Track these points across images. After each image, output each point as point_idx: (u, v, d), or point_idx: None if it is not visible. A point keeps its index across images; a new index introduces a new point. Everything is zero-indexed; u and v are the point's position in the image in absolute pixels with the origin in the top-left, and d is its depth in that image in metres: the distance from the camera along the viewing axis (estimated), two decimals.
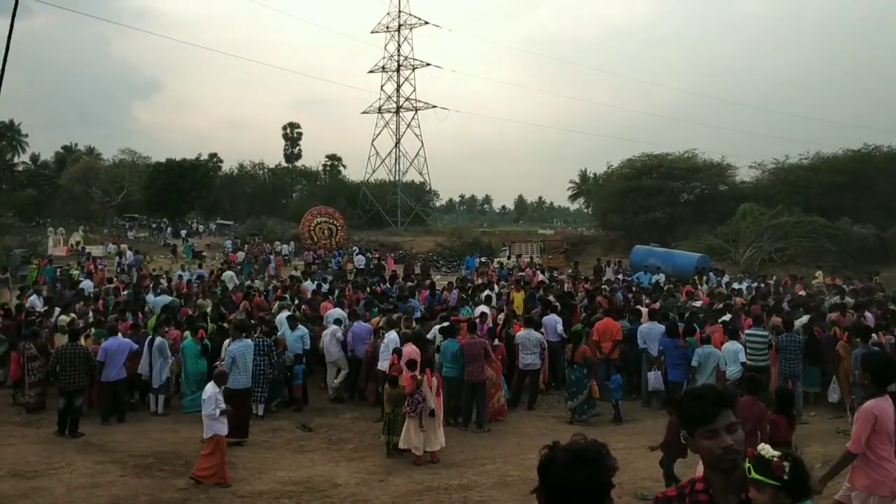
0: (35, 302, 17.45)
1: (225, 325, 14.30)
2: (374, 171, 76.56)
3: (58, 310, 15.80)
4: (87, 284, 21.55)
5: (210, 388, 9.43)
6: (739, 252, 35.28)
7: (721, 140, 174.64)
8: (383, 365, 12.69)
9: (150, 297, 18.49)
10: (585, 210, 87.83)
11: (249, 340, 11.75)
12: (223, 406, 9.25)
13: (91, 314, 15.93)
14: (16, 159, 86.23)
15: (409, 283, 22.12)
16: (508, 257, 38.61)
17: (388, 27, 74.56)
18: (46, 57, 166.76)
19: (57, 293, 20.22)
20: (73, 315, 15.09)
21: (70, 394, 11.46)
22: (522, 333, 13.58)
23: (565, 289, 21.62)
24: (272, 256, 35.73)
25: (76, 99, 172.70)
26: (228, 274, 24.89)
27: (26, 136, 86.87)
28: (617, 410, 12.88)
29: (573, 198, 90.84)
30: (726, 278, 26.03)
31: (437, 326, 13.38)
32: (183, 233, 55.26)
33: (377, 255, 38.00)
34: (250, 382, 11.51)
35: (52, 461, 9.87)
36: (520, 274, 27.64)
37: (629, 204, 46.07)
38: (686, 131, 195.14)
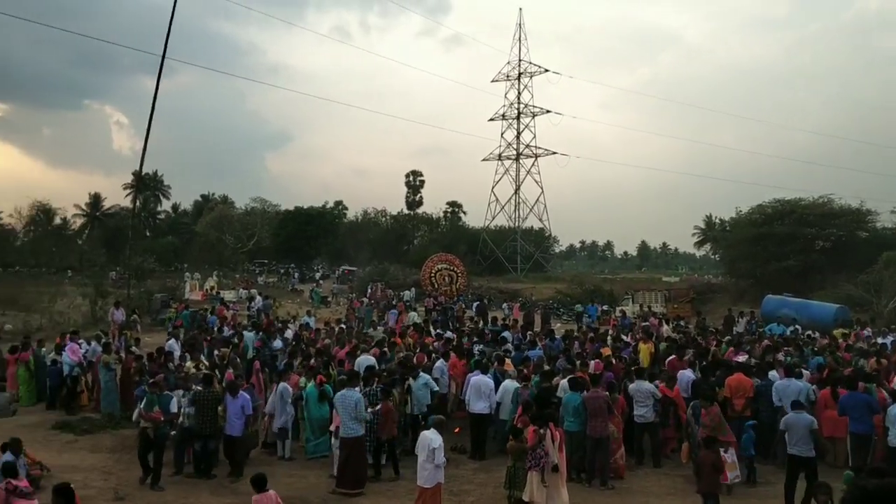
0: (173, 346, 18.34)
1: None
2: (493, 218, 77.18)
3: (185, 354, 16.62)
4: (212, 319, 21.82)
5: (438, 437, 9.66)
6: (882, 303, 33.06)
7: (859, 183, 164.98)
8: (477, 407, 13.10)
9: (276, 343, 19.09)
10: (712, 257, 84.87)
11: (356, 390, 11.77)
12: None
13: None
14: (158, 208, 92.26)
15: (530, 333, 21.85)
16: (632, 306, 37.62)
17: (508, 76, 75.61)
18: (186, 112, 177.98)
19: (190, 337, 21.15)
20: (203, 360, 15.68)
21: (206, 437, 11.92)
22: (634, 385, 13.12)
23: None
24: (394, 303, 36.27)
25: (213, 150, 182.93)
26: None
27: (168, 186, 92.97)
28: (751, 470, 12.16)
29: (699, 244, 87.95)
30: (867, 331, 24.38)
31: (567, 379, 13.09)
32: (317, 275, 57.09)
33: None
34: (361, 431, 11.48)
35: (188, 502, 10.23)
36: (643, 324, 26.87)
37: (760, 251, 44.18)
38: (820, 175, 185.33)
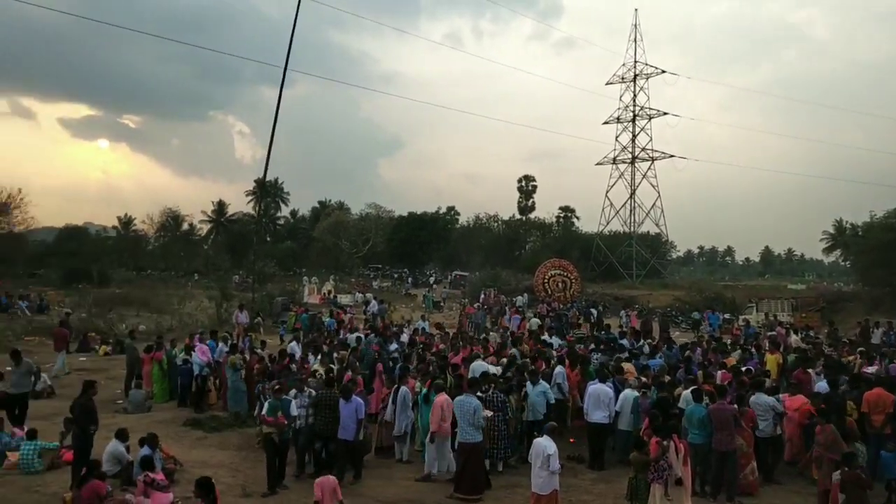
0: (294, 348, 18.90)
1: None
2: (608, 223, 75.87)
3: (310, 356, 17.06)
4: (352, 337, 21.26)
5: (552, 444, 9.61)
6: None
7: None
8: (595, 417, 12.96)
9: (393, 346, 19.33)
10: (843, 263, 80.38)
11: (473, 397, 11.68)
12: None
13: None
14: (278, 214, 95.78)
15: (649, 341, 21.27)
16: (757, 314, 36.09)
17: (623, 78, 74.30)
18: (303, 121, 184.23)
19: (311, 339, 21.74)
20: (329, 363, 16.02)
21: (326, 438, 12.16)
22: (754, 398, 12.50)
23: (826, 351, 19.70)
24: (507, 308, 36.19)
25: (329, 158, 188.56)
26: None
27: (288, 193, 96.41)
28: (892, 492, 11.36)
29: (828, 250, 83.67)
30: None
31: (690, 390, 12.64)
32: (432, 279, 57.67)
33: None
34: (479, 437, 11.40)
35: (309, 501, 10.47)
36: (770, 333, 25.69)
37: None
38: None
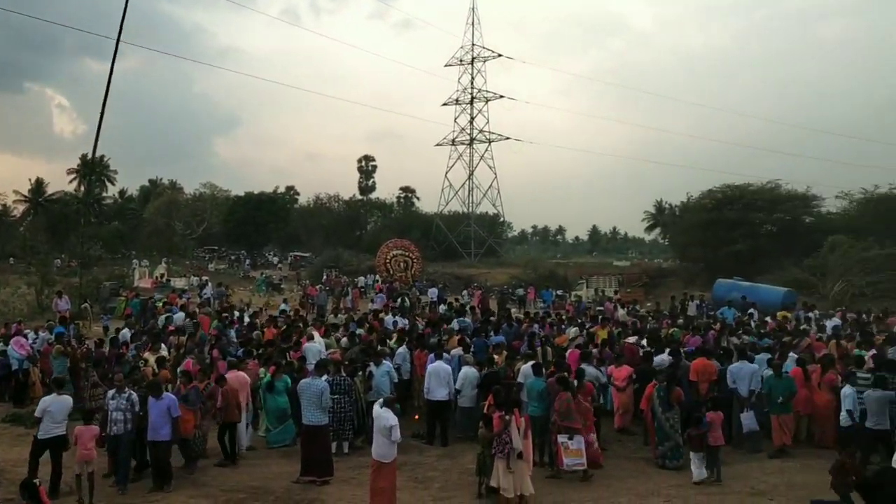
0: (125, 335, 17.89)
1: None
2: (447, 203, 77.18)
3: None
4: (178, 317, 20.95)
5: (392, 415, 9.57)
6: (828, 286, 33.99)
7: (806, 169, 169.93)
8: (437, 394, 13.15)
9: (231, 332, 18.75)
10: (662, 241, 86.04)
11: (322, 379, 11.61)
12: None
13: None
14: (104, 193, 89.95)
15: (493, 318, 21.89)
16: (587, 290, 38.00)
17: (461, 60, 75.41)
18: (132, 95, 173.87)
19: (150, 327, 20.62)
20: (162, 351, 15.31)
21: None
22: (585, 369, 13.28)
23: (648, 325, 21.10)
24: (350, 289, 36.09)
25: (160, 135, 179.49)
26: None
27: (115, 171, 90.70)
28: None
29: (649, 229, 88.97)
30: (816, 314, 24.98)
31: (529, 364, 13.13)
32: (275, 260, 56.13)
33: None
34: (325, 419, 11.30)
35: (148, 495, 10.04)
36: (598, 308, 27.16)
37: (709, 236, 45.12)
38: (768, 161, 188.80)
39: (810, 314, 24.57)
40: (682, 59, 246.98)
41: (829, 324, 21.95)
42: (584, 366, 13.36)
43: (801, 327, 21.00)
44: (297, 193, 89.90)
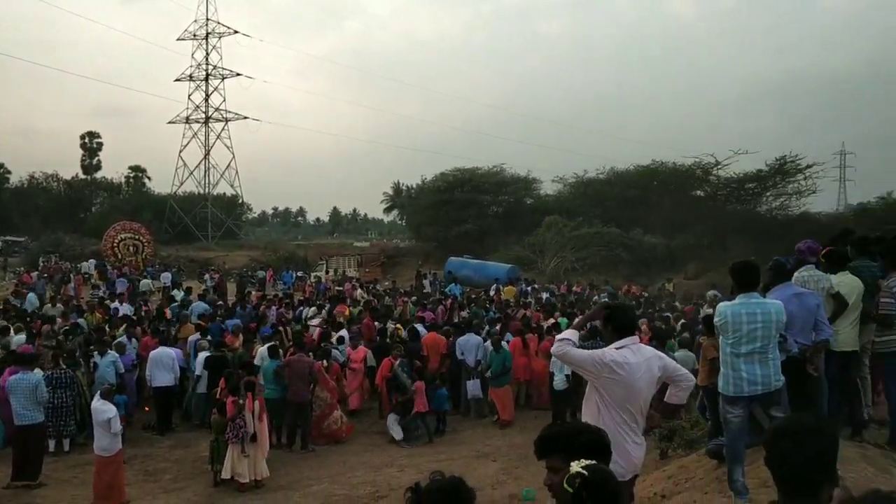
0: None
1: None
2: (182, 184, 73.30)
3: None
4: None
5: (109, 406, 9.20)
6: (545, 262, 37.26)
7: (527, 155, 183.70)
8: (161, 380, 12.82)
9: None
10: (400, 222, 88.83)
11: (35, 372, 10.74)
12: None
13: None
14: None
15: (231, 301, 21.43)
16: (326, 271, 38.30)
17: (195, 35, 71.68)
18: None
19: None
20: None
21: None
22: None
23: (386, 302, 21.88)
24: (72, 276, 33.29)
25: None
26: (31, 296, 22.92)
27: None
28: (442, 422, 13.18)
29: (387, 210, 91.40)
30: (528, 287, 27.33)
31: (266, 346, 13.05)
32: None
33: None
34: (41, 417, 10.43)
35: None
36: (338, 288, 27.60)
37: (442, 216, 47.40)
38: (495, 146, 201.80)
39: (529, 288, 26.91)
40: (415, 46, 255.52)
41: (545, 296, 24.22)
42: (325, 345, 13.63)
43: (523, 301, 22.94)
44: (9, 172, 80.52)
